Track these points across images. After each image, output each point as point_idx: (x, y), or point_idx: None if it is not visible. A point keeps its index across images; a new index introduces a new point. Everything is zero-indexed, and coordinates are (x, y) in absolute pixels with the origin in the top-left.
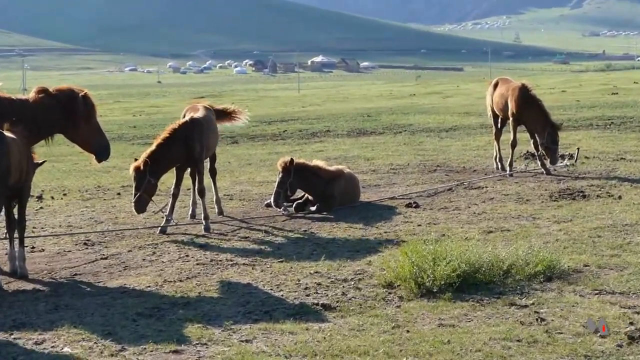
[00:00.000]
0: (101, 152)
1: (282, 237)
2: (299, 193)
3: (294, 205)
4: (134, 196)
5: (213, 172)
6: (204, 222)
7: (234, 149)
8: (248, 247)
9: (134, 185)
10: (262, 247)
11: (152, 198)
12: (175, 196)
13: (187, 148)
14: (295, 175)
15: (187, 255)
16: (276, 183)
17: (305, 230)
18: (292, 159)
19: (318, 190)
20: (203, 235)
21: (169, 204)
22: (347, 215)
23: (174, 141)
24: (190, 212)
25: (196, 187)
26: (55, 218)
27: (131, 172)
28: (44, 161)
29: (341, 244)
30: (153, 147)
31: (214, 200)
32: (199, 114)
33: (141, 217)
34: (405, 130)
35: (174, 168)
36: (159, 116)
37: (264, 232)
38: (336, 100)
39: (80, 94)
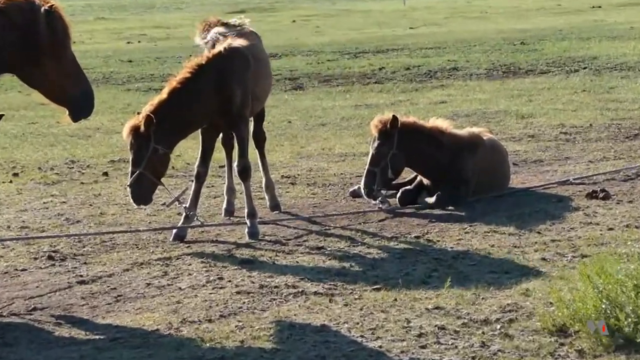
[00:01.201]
0: (78, 103)
1: (379, 248)
2: (406, 174)
3: (398, 195)
4: (131, 176)
5: (260, 138)
6: (247, 222)
7: (297, 98)
8: (322, 265)
9: (130, 159)
10: (346, 264)
11: (162, 180)
12: (200, 178)
13: (222, 97)
14: (402, 143)
15: (220, 279)
16: (369, 157)
17: (418, 237)
18: (395, 118)
19: (439, 170)
20: (247, 245)
21: (190, 191)
22: (488, 212)
23: (198, 85)
24: (224, 205)
25: (235, 164)
26: (0, 213)
27: (126, 137)
28: (0, 116)
29: (478, 261)
30: (163, 95)
31: (263, 185)
32: (242, 40)
33: (144, 213)
34: (584, 68)
35: (199, 131)
36: (170, 43)
37: (349, 240)
38: (467, 17)
39: (43, 8)
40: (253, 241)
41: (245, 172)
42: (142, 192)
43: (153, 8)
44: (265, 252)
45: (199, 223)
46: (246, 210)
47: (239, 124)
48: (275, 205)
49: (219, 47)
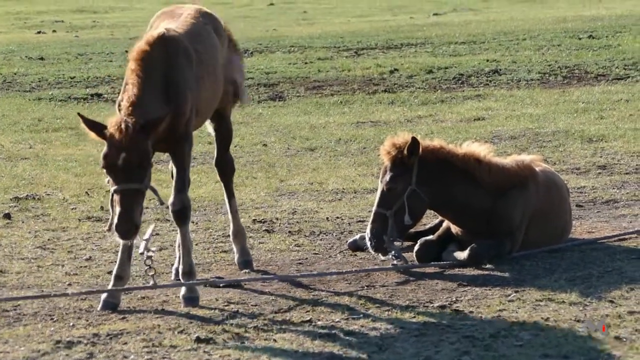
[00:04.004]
0: None
1: (389, 323)
2: (428, 218)
3: (416, 248)
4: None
5: (226, 169)
6: (183, 281)
7: (276, 112)
8: (309, 347)
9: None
10: (343, 346)
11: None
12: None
13: (170, 103)
14: (423, 177)
15: None
16: (377, 196)
17: (443, 307)
18: (415, 141)
19: (474, 213)
20: (205, 318)
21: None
22: (540, 273)
23: (154, 82)
24: (175, 265)
25: (170, 201)
26: None
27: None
28: None
29: (527, 340)
30: (136, 91)
31: (231, 233)
32: (182, 23)
33: (61, 272)
34: None
35: None
36: (97, 34)
37: (347, 311)
38: (513, 0)
39: None
40: (189, 307)
41: (183, 213)
42: (130, 222)
43: None
44: (229, 327)
45: (151, 284)
46: (180, 268)
47: (184, 143)
48: (245, 262)
49: (154, 33)
